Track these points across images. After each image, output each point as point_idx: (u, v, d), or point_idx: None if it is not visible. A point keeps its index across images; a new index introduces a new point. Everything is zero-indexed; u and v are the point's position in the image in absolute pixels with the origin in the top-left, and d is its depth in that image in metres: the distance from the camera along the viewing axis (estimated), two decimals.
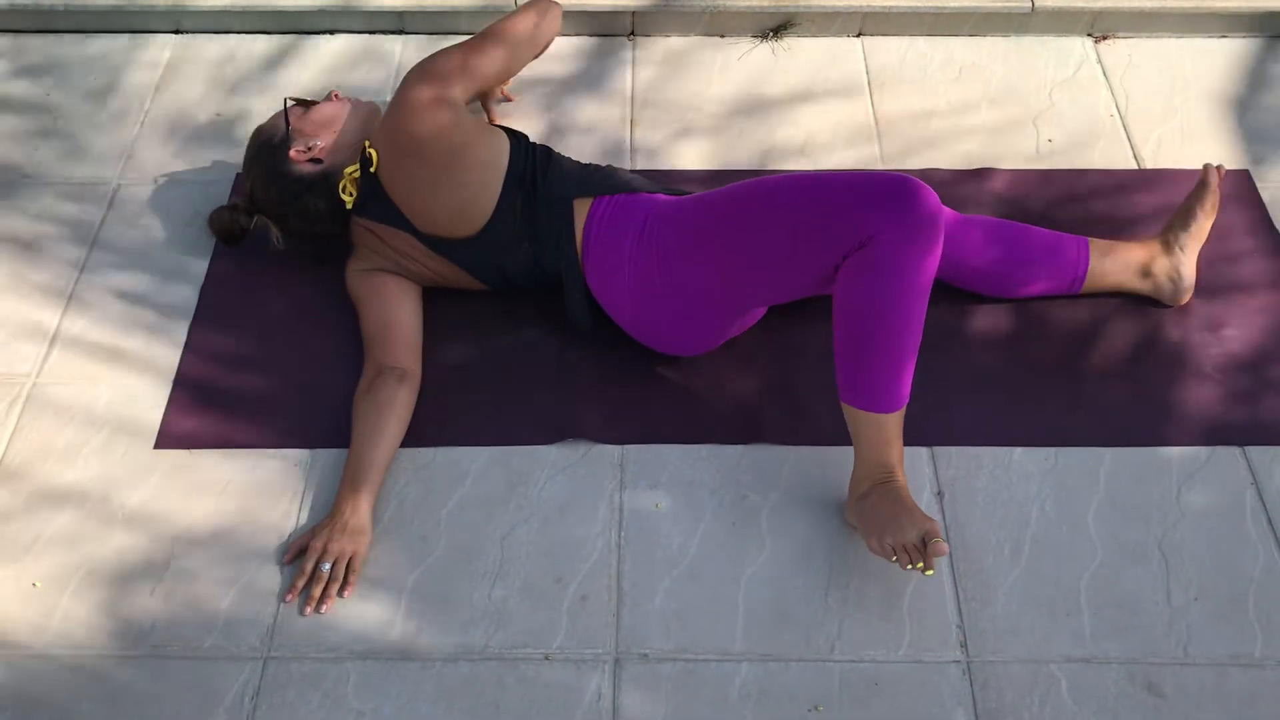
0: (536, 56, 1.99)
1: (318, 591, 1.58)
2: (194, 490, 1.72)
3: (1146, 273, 1.90)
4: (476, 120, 1.82)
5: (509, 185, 1.78)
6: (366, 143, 1.83)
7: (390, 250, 1.84)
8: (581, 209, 1.79)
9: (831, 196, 1.57)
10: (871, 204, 1.53)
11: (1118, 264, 1.89)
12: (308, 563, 1.60)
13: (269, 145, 1.86)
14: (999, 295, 1.92)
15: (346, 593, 1.60)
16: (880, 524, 1.55)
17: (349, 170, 1.83)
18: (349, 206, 1.84)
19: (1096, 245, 1.90)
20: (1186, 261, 1.89)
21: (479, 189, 1.77)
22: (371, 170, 1.81)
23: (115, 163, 2.18)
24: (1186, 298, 1.91)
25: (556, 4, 1.97)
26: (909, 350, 1.58)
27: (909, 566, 1.52)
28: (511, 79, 2.17)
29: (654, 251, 1.71)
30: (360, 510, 1.64)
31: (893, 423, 1.60)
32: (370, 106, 1.94)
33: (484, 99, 2.15)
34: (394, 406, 1.72)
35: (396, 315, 1.81)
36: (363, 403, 1.72)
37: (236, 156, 2.16)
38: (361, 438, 1.69)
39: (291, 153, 1.84)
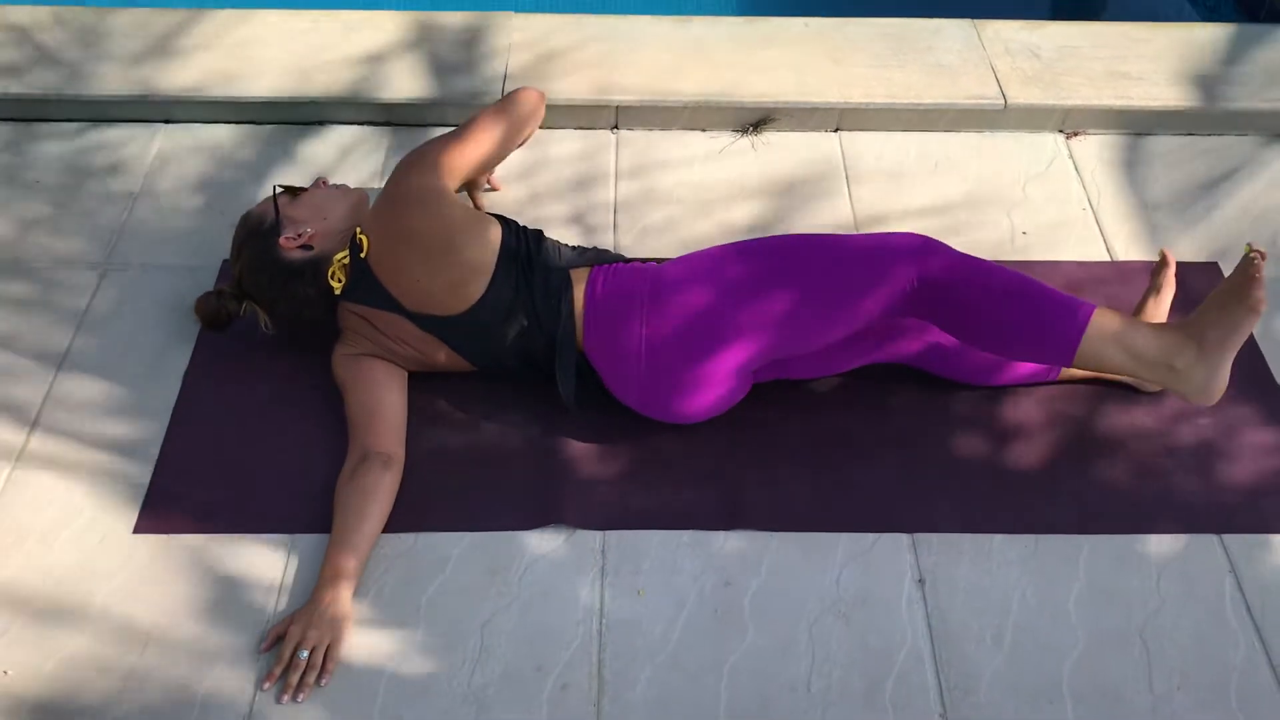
0: (522, 143, 2.04)
1: (295, 679, 1.56)
2: (172, 575, 1.70)
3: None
4: (466, 207, 1.86)
5: (503, 261, 1.81)
6: (358, 229, 1.86)
7: (378, 334, 1.86)
8: (579, 278, 1.83)
9: (870, 244, 1.77)
10: (907, 249, 1.74)
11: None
12: (286, 649, 1.58)
13: (258, 232, 1.88)
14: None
15: (324, 680, 1.58)
16: (1234, 317, 1.66)
17: (338, 256, 1.85)
18: (338, 293, 1.86)
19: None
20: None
21: (472, 268, 1.80)
22: (362, 255, 1.83)
23: (102, 248, 2.20)
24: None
25: (540, 92, 2.03)
26: (1032, 282, 1.71)
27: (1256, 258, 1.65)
28: (497, 167, 2.21)
29: (674, 303, 1.75)
30: (340, 597, 1.62)
31: (1108, 322, 1.68)
32: (359, 194, 1.97)
33: (470, 188, 2.19)
34: (377, 493, 1.72)
35: (382, 400, 1.82)
36: (346, 489, 1.72)
37: (223, 244, 2.18)
38: (343, 524, 1.68)
39: (281, 240, 1.86)
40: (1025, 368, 1.91)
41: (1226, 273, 2.16)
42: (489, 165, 1.98)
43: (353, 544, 1.66)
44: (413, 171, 1.85)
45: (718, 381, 1.78)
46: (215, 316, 1.92)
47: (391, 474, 1.75)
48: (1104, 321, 1.69)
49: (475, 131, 1.95)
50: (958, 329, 1.77)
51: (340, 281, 1.85)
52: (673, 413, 1.82)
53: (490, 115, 1.98)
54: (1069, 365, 1.76)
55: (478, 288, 1.80)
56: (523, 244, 1.85)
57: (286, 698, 1.55)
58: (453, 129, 1.97)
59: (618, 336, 1.78)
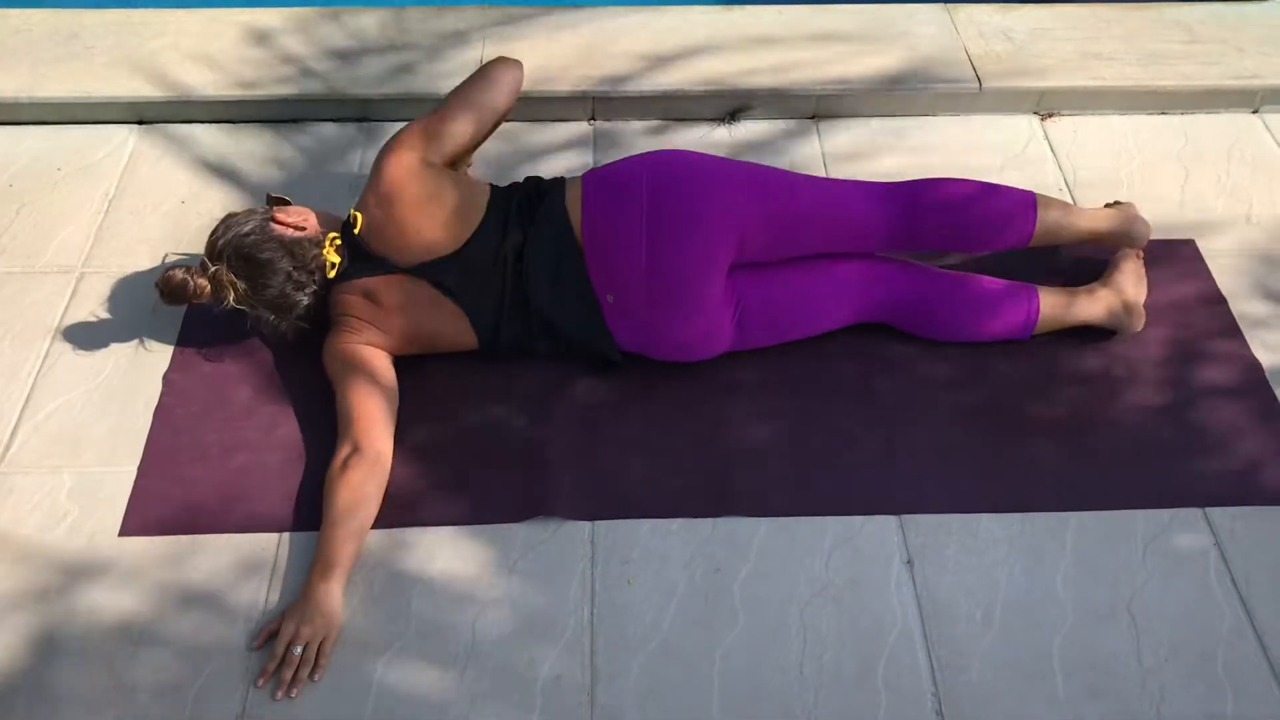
0: (505, 114, 2.04)
1: (289, 675, 1.56)
2: (160, 576, 1.69)
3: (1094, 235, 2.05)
4: (454, 173, 1.93)
5: (495, 202, 1.90)
6: (350, 209, 1.89)
7: (376, 308, 1.85)
8: (574, 187, 1.89)
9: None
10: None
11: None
12: (279, 647, 1.58)
13: (250, 216, 1.88)
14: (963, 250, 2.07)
15: (317, 676, 1.57)
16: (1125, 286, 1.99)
17: (331, 236, 1.87)
18: (332, 275, 1.86)
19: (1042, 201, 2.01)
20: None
21: (464, 205, 1.88)
22: (355, 231, 1.86)
23: (79, 251, 2.18)
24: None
25: (515, 61, 2.04)
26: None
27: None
28: (475, 161, 2.21)
29: (674, 174, 1.85)
30: (332, 593, 1.62)
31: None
32: (335, 217, 1.98)
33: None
34: (367, 488, 1.71)
35: (374, 393, 1.81)
36: (336, 484, 1.71)
37: (199, 245, 2.16)
38: (334, 520, 1.68)
39: (276, 215, 1.87)
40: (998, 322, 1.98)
41: (1203, 250, 2.19)
42: (472, 138, 1.98)
43: (343, 541, 1.66)
44: (396, 147, 1.90)
45: (716, 262, 1.82)
46: (179, 290, 1.84)
47: (380, 470, 1.74)
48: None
49: (451, 104, 1.98)
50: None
51: (336, 261, 1.86)
52: (675, 296, 1.81)
53: (464, 86, 2.01)
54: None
55: (472, 222, 1.86)
56: (515, 189, 1.93)
57: (281, 694, 1.55)
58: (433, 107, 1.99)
59: (617, 223, 1.82)
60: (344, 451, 1.75)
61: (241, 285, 1.84)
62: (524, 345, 1.91)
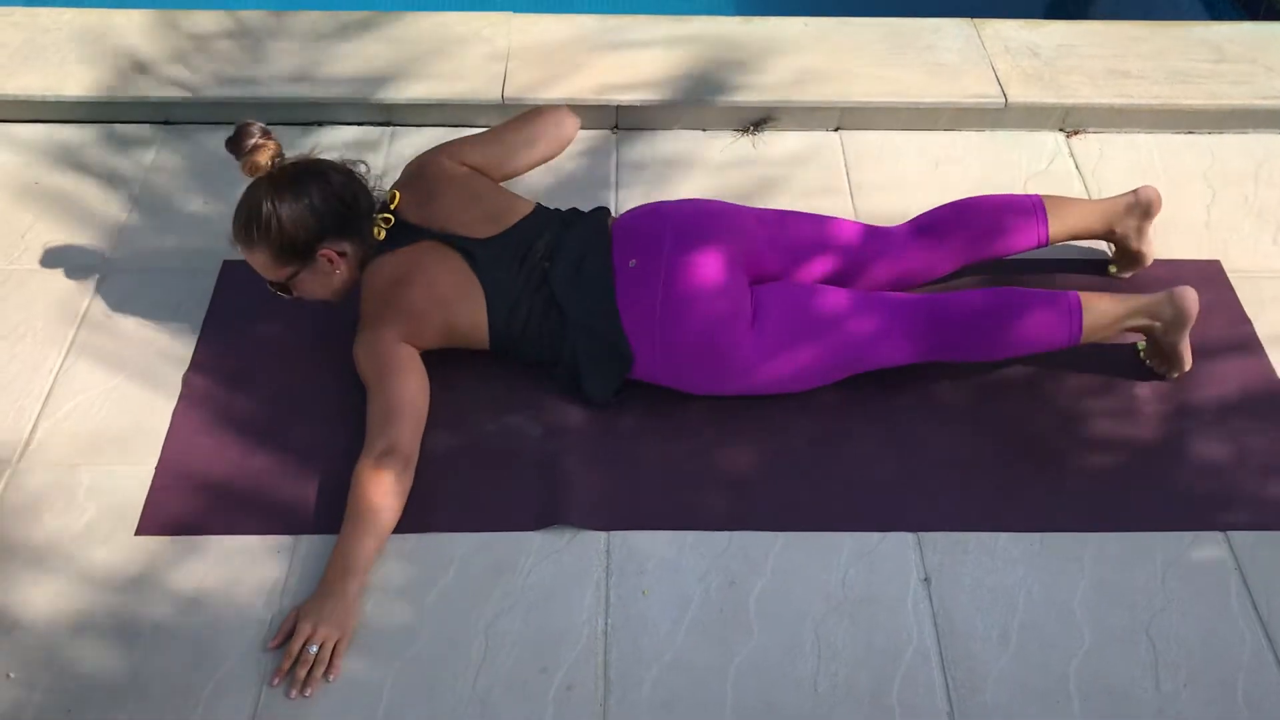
0: (544, 158, 2.08)
1: (303, 674, 1.56)
2: (175, 576, 1.69)
3: (1110, 230, 2.08)
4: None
5: (540, 208, 1.97)
6: (389, 189, 1.94)
7: (402, 289, 1.84)
8: (607, 221, 1.98)
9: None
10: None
11: (1076, 214, 2.06)
12: (295, 645, 1.58)
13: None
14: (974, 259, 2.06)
15: (332, 676, 1.57)
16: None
17: (381, 215, 1.91)
18: (379, 236, 1.89)
19: (1051, 202, 2.05)
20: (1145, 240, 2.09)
21: (510, 204, 1.95)
22: (392, 206, 1.91)
23: (103, 248, 2.19)
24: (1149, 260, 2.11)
25: (567, 111, 2.08)
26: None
27: None
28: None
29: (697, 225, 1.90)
30: (349, 593, 1.62)
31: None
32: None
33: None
34: (395, 493, 1.70)
35: (415, 396, 1.79)
36: (368, 483, 1.69)
37: (223, 244, 2.17)
38: (358, 517, 1.67)
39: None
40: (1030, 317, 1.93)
41: (1228, 270, 2.17)
42: (502, 170, 2.02)
43: (366, 539, 1.65)
44: (434, 153, 2.00)
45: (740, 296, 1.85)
46: (243, 133, 1.82)
47: (410, 473, 1.73)
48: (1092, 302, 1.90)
49: (492, 132, 2.05)
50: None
51: (386, 222, 1.89)
52: (701, 342, 1.83)
53: (510, 122, 2.07)
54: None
55: (510, 221, 1.92)
56: (559, 211, 2.00)
57: (295, 693, 1.55)
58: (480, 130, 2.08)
59: (646, 221, 1.91)
60: (378, 449, 1.72)
61: (288, 185, 1.80)
62: (534, 342, 1.89)
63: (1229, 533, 1.76)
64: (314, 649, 1.57)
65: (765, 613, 1.66)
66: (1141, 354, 1.99)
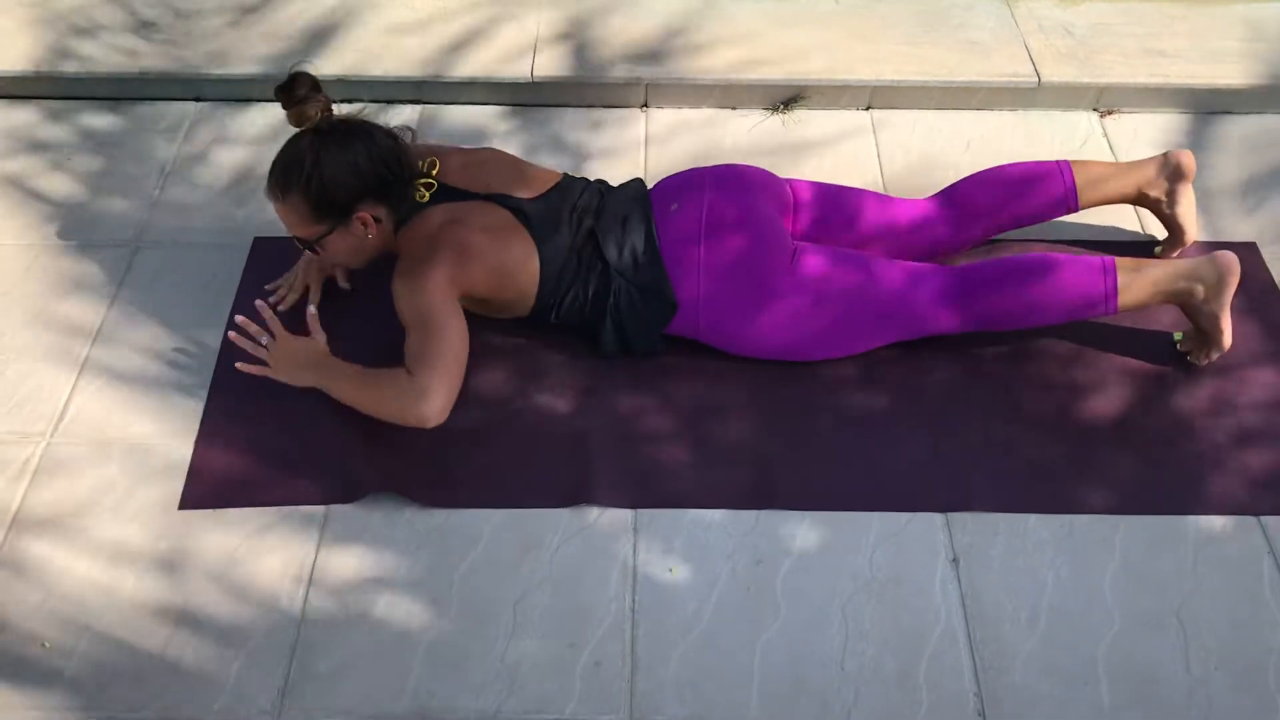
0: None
1: (247, 345, 1.81)
2: (207, 550, 1.71)
3: (1141, 193, 2.06)
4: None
5: (568, 177, 1.98)
6: (425, 160, 1.92)
7: (451, 224, 1.82)
8: (644, 188, 2.01)
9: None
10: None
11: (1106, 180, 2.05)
12: (259, 350, 1.83)
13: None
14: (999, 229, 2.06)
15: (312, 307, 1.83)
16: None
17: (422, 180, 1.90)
18: (425, 198, 1.87)
19: (1078, 164, 2.05)
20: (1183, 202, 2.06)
21: (542, 172, 1.97)
22: (434, 172, 1.90)
23: (134, 226, 2.21)
24: (1191, 233, 2.08)
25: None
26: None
27: None
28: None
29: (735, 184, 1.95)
30: (309, 379, 1.81)
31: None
32: None
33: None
34: (399, 415, 1.73)
35: (455, 332, 1.76)
36: (390, 393, 1.73)
37: (253, 222, 2.19)
38: (367, 385, 1.76)
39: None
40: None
41: (1265, 254, 2.14)
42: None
43: (355, 392, 1.77)
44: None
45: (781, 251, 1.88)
46: (295, 81, 1.80)
47: (430, 413, 1.71)
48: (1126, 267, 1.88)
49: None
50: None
51: (430, 183, 1.89)
52: (742, 295, 1.86)
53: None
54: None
55: (552, 180, 1.95)
56: (584, 179, 2.02)
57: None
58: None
59: (688, 190, 1.94)
60: (419, 385, 1.70)
61: (335, 140, 1.77)
62: (578, 297, 1.89)
63: (1262, 517, 1.75)
64: (263, 345, 1.82)
65: (792, 591, 1.66)
66: (1178, 345, 1.96)
